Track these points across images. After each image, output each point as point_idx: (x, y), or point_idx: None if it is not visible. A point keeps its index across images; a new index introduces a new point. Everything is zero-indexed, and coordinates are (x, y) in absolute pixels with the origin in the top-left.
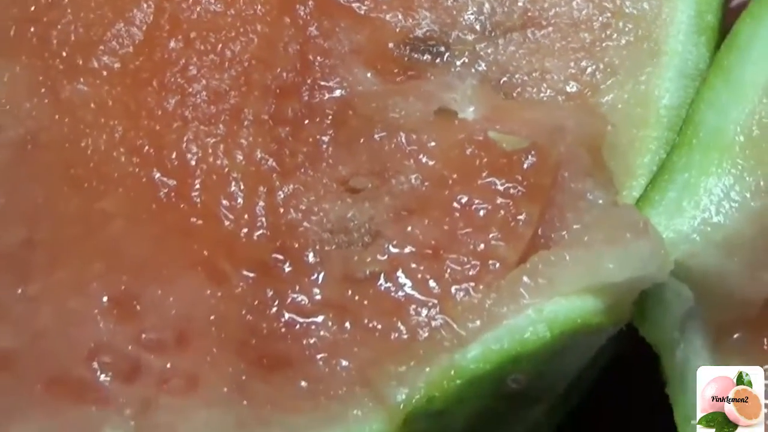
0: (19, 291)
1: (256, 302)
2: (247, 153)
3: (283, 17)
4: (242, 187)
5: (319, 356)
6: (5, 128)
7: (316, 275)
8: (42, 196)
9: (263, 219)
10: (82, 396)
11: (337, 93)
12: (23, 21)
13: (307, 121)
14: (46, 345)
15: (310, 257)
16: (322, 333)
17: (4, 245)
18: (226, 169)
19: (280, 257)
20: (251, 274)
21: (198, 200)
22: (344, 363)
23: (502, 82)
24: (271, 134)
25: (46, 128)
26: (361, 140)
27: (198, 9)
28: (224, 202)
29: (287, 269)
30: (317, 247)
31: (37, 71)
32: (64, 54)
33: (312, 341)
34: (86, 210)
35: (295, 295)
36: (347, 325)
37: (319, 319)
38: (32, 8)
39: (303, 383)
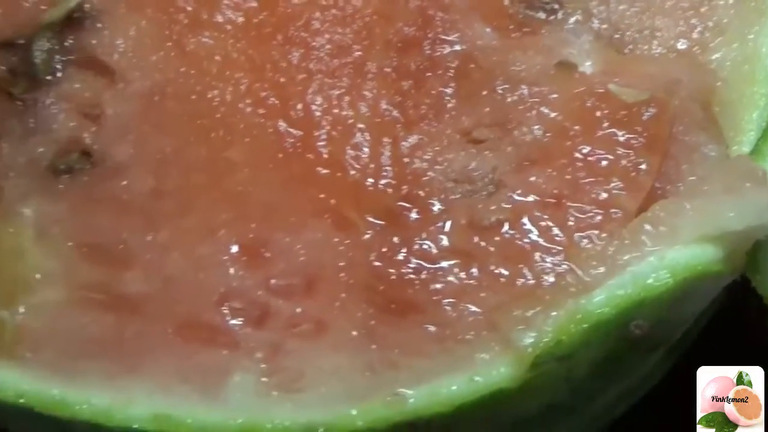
0: (149, 238)
1: (384, 249)
2: (372, 105)
3: None
4: (367, 137)
5: (446, 301)
6: (132, 81)
7: (441, 223)
8: (170, 146)
9: (388, 168)
10: (212, 340)
11: (458, 47)
12: None
13: (429, 74)
14: (177, 290)
15: (436, 205)
16: (448, 279)
17: (134, 194)
18: (351, 120)
19: (406, 205)
20: (378, 222)
21: (324, 150)
22: (471, 308)
23: (614, 38)
24: (395, 87)
25: (172, 80)
26: (484, 93)
27: None
28: (350, 152)
29: (413, 217)
30: (442, 195)
31: (162, 25)
32: (189, 8)
33: (439, 287)
34: (213, 159)
35: (421, 242)
36: (473, 271)
37: (446, 265)
38: None
39: (431, 328)
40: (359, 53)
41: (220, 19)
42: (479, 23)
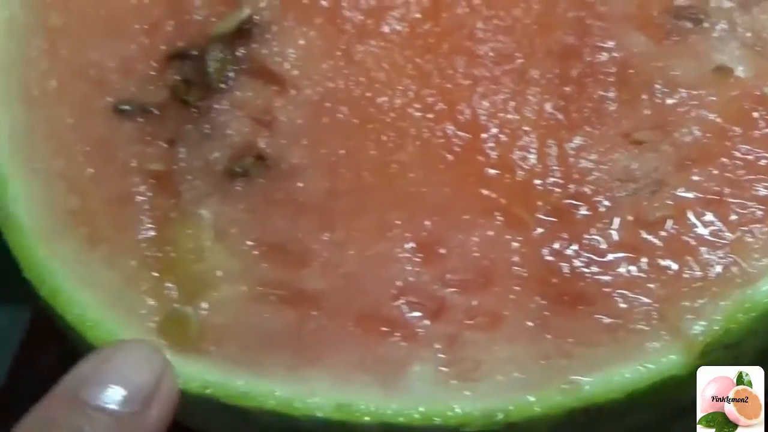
0: (326, 237)
1: (555, 244)
2: (536, 109)
3: None
4: (533, 139)
5: (616, 293)
6: (303, 88)
7: (609, 219)
8: (342, 149)
9: (555, 169)
10: (391, 332)
11: (616, 54)
12: None
13: (590, 80)
14: (355, 286)
15: (603, 203)
16: (618, 272)
17: (309, 195)
18: (517, 124)
19: (574, 203)
20: (548, 219)
21: (492, 152)
22: (641, 299)
23: (757, 47)
24: (557, 92)
25: (342, 87)
26: (643, 97)
27: None
28: (517, 153)
29: (581, 214)
30: (608, 193)
31: (330, 35)
32: (356, 19)
33: (609, 279)
34: (385, 161)
35: (590, 237)
36: (642, 264)
37: (615, 259)
38: None
39: (602, 318)
40: (521, 60)
41: (386, 29)
42: (634, 31)
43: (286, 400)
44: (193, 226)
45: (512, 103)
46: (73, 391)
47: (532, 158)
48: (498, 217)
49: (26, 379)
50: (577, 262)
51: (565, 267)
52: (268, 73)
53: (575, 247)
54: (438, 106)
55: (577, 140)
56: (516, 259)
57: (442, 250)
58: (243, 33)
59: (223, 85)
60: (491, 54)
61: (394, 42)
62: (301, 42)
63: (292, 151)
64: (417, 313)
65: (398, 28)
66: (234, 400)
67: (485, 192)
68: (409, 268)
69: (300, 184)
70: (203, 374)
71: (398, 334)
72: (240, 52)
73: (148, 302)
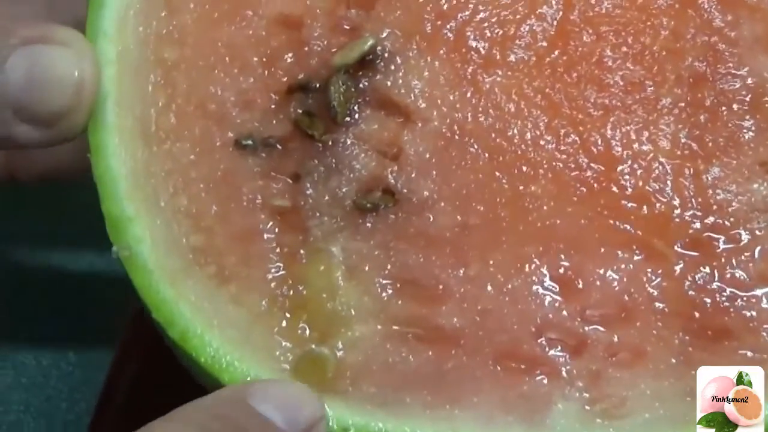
0: (460, 272)
1: (696, 278)
2: (670, 139)
3: (686, 10)
4: (669, 170)
5: (762, 328)
6: (430, 120)
7: (750, 251)
8: (473, 182)
9: (693, 200)
10: (532, 370)
11: (750, 80)
12: (437, 18)
13: (724, 108)
14: (493, 323)
15: (743, 234)
16: (763, 306)
17: (441, 229)
18: (652, 154)
19: (714, 235)
20: (687, 252)
21: (627, 184)
22: None
23: None
24: (691, 121)
25: (469, 119)
26: None
27: (604, 4)
28: (653, 185)
29: (722, 246)
30: (748, 225)
31: (455, 65)
32: (481, 49)
33: (753, 314)
34: (517, 194)
35: (732, 271)
36: None
37: (759, 293)
38: (444, 6)
39: (748, 353)
40: (652, 88)
41: (512, 58)
42: (765, 56)
43: None
44: (323, 263)
45: (645, 133)
46: (242, 396)
47: (669, 190)
48: (636, 251)
49: None
50: (720, 297)
51: (708, 301)
52: (393, 105)
53: (718, 280)
54: (570, 137)
55: (714, 170)
56: (657, 293)
57: (580, 285)
58: (366, 64)
59: (347, 118)
60: (621, 83)
61: (522, 71)
62: (426, 73)
63: (421, 185)
64: (558, 350)
65: (525, 57)
66: None
67: (621, 225)
68: (548, 303)
69: (431, 219)
70: (342, 416)
71: (539, 372)
72: (363, 83)
73: (281, 343)
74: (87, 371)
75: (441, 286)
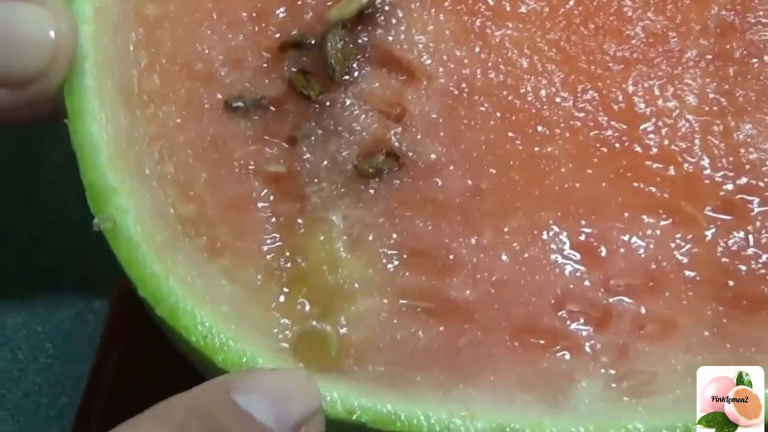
0: (473, 241)
1: (730, 244)
2: (697, 94)
3: None
4: (697, 128)
5: None
6: (436, 77)
7: None
8: (484, 143)
9: (723, 160)
10: (553, 345)
11: None
12: None
13: (755, 60)
14: (509, 295)
15: None
16: None
17: (451, 195)
18: (677, 111)
19: (747, 197)
20: (719, 216)
21: (651, 143)
22: None
23: None
24: (719, 74)
25: (479, 75)
26: None
27: None
28: (680, 144)
29: (756, 209)
30: None
31: (462, 18)
32: (490, 0)
33: None
34: (532, 156)
35: None
36: None
37: None
38: None
39: None
40: (676, 40)
41: (523, 9)
42: None
43: (441, 424)
44: (323, 233)
45: (670, 88)
46: (224, 389)
47: (697, 149)
48: (663, 215)
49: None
50: (755, 263)
51: (743, 268)
52: (396, 62)
53: (753, 245)
54: (588, 93)
55: (746, 127)
56: (686, 260)
57: (603, 253)
58: (365, 18)
59: (346, 77)
60: (642, 34)
61: (534, 23)
62: (431, 26)
63: (427, 147)
64: (580, 323)
65: (537, 7)
66: (383, 425)
67: (646, 187)
68: (569, 273)
69: (439, 183)
70: (347, 397)
71: (561, 347)
72: (362, 39)
73: (279, 319)
74: (67, 363)
75: (452, 256)
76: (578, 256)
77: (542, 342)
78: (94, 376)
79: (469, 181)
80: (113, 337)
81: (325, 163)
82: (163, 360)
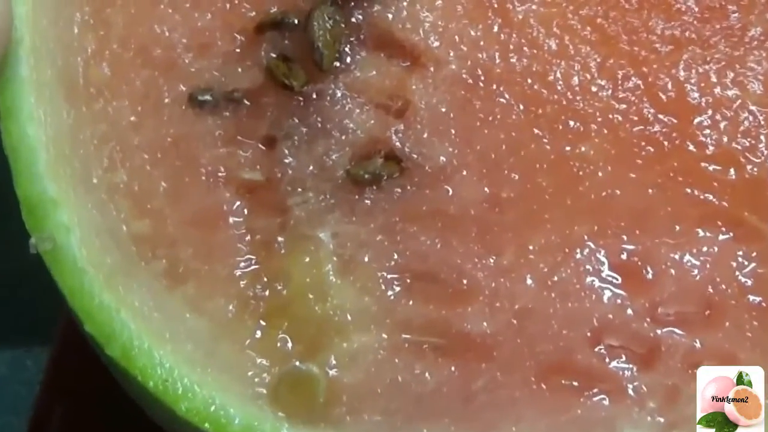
0: (491, 261)
1: None
2: (762, 80)
3: None
4: (762, 121)
5: None
6: (446, 62)
7: None
8: (504, 143)
9: None
10: (589, 387)
11: None
12: None
13: None
14: (535, 327)
15: None
16: None
17: (466, 206)
18: (739, 101)
19: None
20: None
21: (708, 140)
22: None
23: None
24: None
25: (498, 60)
26: None
27: None
28: (742, 141)
29: None
30: None
31: None
32: None
33: None
34: (562, 157)
35: None
36: None
37: None
38: None
39: None
40: (737, 15)
41: None
42: None
43: None
44: (309, 253)
45: (730, 74)
46: None
47: (763, 147)
48: (722, 228)
49: None
50: None
51: None
52: (397, 45)
53: None
54: (630, 81)
55: None
56: (750, 283)
57: (649, 275)
58: None
59: (336, 63)
60: (696, 8)
61: None
62: (439, 1)
63: (435, 148)
64: (622, 361)
65: None
66: None
67: (702, 194)
68: (607, 300)
69: (450, 192)
70: None
71: (598, 390)
72: (356, 17)
73: (255, 359)
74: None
75: (465, 280)
76: (619, 279)
77: (575, 384)
78: None
79: (486, 189)
80: (55, 384)
81: (311, 168)
82: (115, 410)
